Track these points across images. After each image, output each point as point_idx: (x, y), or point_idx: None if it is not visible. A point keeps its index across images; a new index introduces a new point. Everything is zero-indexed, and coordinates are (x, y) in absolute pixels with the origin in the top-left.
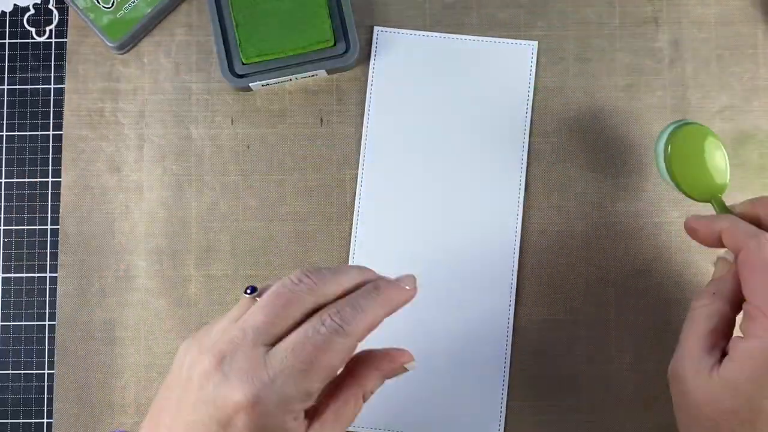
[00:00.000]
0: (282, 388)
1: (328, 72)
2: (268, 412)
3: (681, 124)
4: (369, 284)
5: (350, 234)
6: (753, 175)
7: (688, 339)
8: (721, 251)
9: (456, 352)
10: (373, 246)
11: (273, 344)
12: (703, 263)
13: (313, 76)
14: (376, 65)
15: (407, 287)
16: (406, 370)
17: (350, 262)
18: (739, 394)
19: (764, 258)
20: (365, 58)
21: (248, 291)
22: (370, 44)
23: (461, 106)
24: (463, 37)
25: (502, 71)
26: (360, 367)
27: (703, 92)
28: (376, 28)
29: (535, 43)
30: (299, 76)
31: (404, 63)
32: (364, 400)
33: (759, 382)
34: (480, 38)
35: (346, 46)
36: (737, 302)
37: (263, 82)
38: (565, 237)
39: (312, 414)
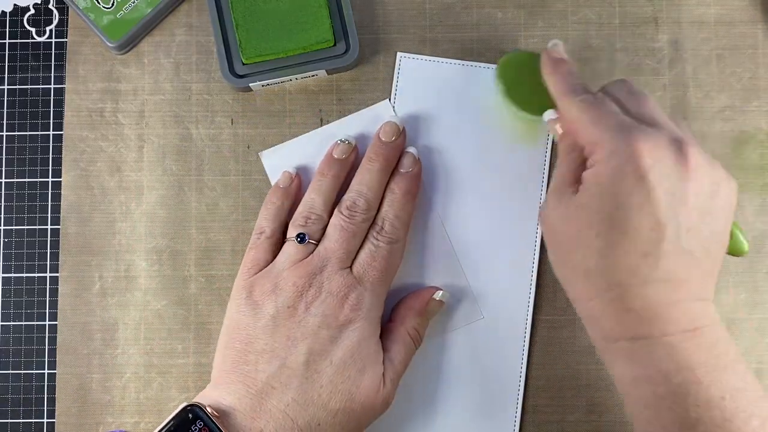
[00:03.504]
0: (373, 289)
1: (328, 72)
2: (370, 311)
3: (506, 55)
4: (397, 191)
5: None
6: (753, 175)
7: (554, 181)
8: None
9: (471, 352)
10: None
11: (349, 267)
12: None
13: (313, 76)
14: (398, 91)
15: (414, 168)
16: (442, 303)
17: None
18: (592, 210)
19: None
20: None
21: (300, 239)
22: (393, 67)
23: (477, 129)
24: (484, 65)
25: None
26: (399, 310)
27: (703, 92)
28: (399, 54)
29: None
30: (299, 76)
31: (424, 89)
32: (412, 338)
33: (604, 196)
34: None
35: (346, 46)
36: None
37: (263, 82)
38: None
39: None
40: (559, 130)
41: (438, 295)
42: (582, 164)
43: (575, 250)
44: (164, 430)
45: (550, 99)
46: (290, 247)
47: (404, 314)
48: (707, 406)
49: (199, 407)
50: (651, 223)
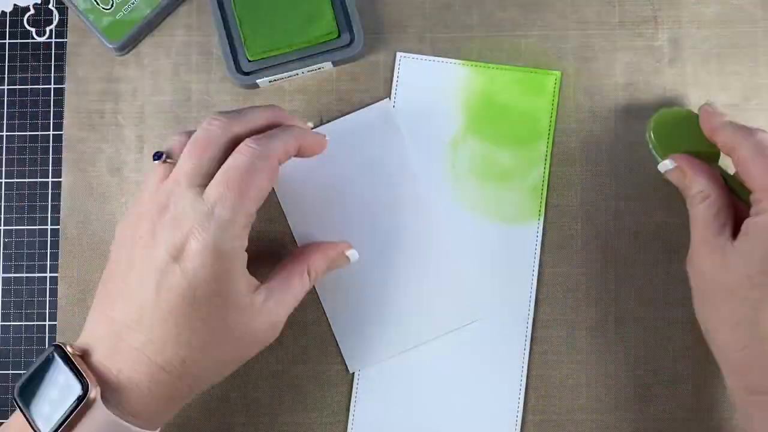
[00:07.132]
0: (221, 213)
1: (335, 64)
2: (215, 237)
3: (660, 111)
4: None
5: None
6: None
7: (698, 231)
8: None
9: (471, 352)
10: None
11: (205, 185)
12: None
13: (319, 69)
14: (398, 91)
15: (310, 131)
16: (348, 260)
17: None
18: (753, 260)
19: (760, 148)
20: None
21: (156, 157)
22: (392, 67)
23: (483, 128)
24: (484, 65)
25: (526, 98)
26: (306, 249)
27: (703, 91)
28: (398, 54)
29: (559, 73)
30: (305, 69)
31: (424, 89)
32: (310, 277)
33: None
34: (505, 66)
35: (351, 37)
36: (723, 186)
37: (270, 78)
38: (566, 237)
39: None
40: (685, 180)
41: (351, 254)
42: (725, 209)
43: (728, 299)
44: (33, 372)
45: (704, 156)
46: (154, 170)
47: (311, 253)
48: None
49: (61, 346)
50: None
